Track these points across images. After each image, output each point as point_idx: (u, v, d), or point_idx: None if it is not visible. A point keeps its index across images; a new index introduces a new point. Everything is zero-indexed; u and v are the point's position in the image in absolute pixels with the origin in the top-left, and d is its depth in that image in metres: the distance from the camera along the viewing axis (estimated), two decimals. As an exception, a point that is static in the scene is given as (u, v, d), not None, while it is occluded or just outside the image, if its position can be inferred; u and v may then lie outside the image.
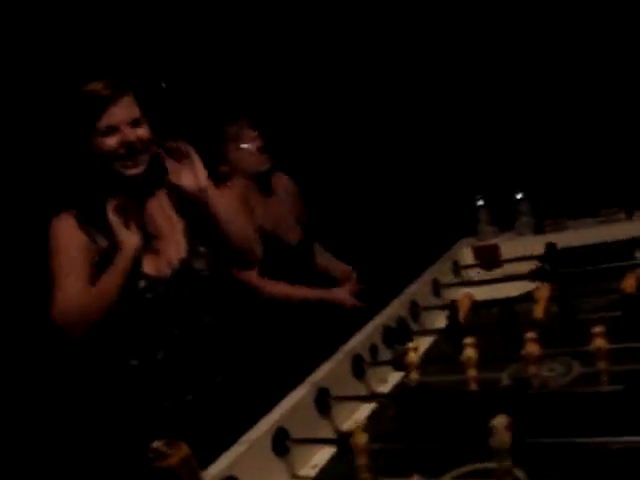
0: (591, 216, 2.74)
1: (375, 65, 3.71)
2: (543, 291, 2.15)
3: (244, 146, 2.71)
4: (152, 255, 2.06)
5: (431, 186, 3.54)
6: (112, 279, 1.94)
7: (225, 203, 2.09)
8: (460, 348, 1.85)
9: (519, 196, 2.85)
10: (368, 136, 3.76)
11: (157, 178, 2.08)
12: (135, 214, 2.01)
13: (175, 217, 2.14)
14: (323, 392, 1.85)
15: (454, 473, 1.50)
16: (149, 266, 2.04)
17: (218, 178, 2.65)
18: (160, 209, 2.13)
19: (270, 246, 2.63)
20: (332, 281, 2.93)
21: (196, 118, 3.18)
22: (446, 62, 3.56)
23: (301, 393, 1.82)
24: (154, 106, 2.14)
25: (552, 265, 2.59)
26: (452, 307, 2.20)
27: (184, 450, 1.37)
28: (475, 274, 2.85)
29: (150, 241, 2.06)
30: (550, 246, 2.59)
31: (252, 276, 2.66)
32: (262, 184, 2.78)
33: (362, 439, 1.54)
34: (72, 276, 1.95)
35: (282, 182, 2.88)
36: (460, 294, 2.31)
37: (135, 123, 1.99)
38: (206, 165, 2.03)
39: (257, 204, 2.76)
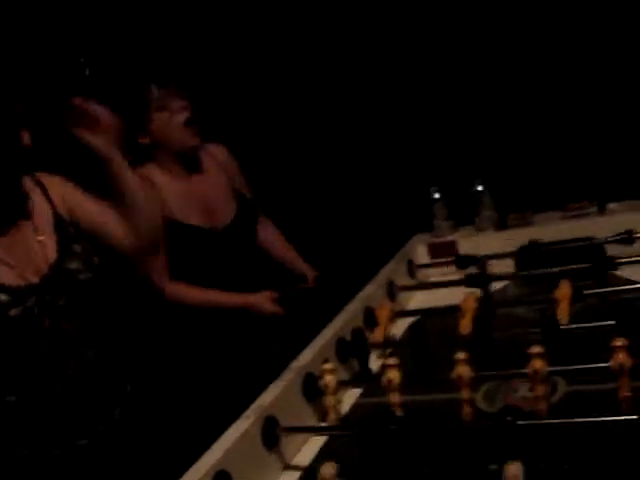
0: (558, 209, 2.51)
1: (330, 49, 3.42)
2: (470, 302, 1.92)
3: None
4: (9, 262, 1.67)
5: (384, 177, 3.28)
6: None
7: (135, 178, 1.80)
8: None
9: (479, 188, 2.60)
10: (320, 125, 3.49)
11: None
12: None
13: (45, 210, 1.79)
14: (271, 422, 1.55)
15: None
16: (8, 275, 1.64)
17: (137, 150, 2.30)
18: None
19: (188, 237, 2.31)
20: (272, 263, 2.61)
21: (116, 79, 2.81)
22: (402, 51, 3.31)
23: (245, 425, 1.51)
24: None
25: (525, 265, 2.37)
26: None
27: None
28: (433, 274, 2.60)
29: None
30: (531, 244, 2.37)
31: (157, 276, 2.31)
32: (186, 161, 2.41)
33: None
34: None
35: (214, 154, 2.51)
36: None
37: None
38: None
39: (176, 186, 2.38)
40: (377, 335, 2.01)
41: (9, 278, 1.64)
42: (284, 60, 3.51)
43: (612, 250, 2.29)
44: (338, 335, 1.94)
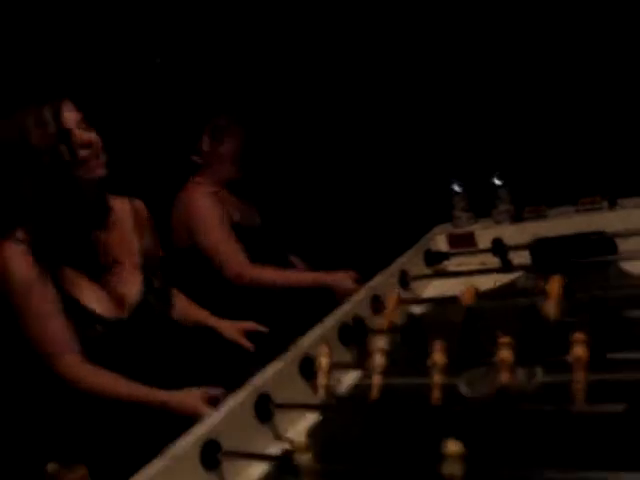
0: (571, 204, 2.57)
1: (345, 46, 3.51)
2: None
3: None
4: (103, 292, 1.91)
5: (407, 171, 3.36)
6: None
7: None
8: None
9: (497, 182, 2.68)
10: (341, 119, 3.58)
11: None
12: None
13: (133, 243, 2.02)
14: (264, 398, 1.70)
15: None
16: (102, 306, 1.89)
17: (189, 167, 2.52)
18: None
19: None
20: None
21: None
22: (420, 43, 3.36)
23: (238, 399, 1.67)
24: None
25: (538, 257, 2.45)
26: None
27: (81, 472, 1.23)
28: (450, 264, 2.69)
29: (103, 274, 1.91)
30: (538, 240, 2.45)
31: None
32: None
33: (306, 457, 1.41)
34: None
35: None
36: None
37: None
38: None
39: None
40: (382, 321, 2.12)
41: (102, 309, 1.88)
42: (300, 52, 3.59)
43: (623, 245, 2.36)
44: (342, 321, 2.07)
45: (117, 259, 1.96)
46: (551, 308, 1.85)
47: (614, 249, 2.36)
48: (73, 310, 1.86)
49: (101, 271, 1.90)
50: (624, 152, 2.82)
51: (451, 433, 1.29)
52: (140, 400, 1.88)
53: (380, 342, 1.73)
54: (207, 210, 2.66)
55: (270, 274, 2.65)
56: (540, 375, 1.68)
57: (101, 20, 3.15)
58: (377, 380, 1.65)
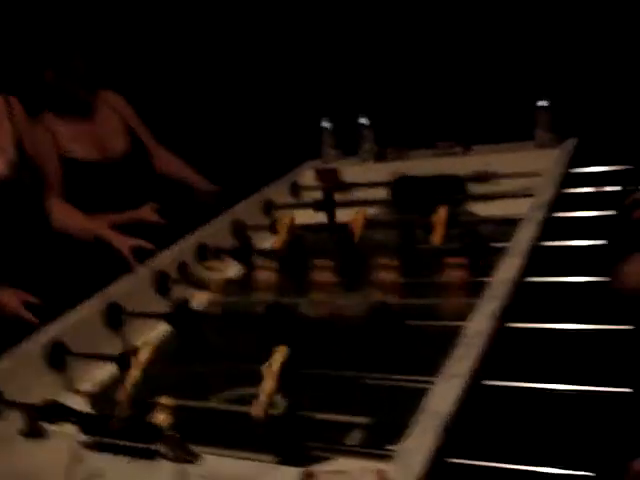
0: (429, 148, 2.74)
1: None
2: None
3: None
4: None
5: (279, 110, 3.41)
6: None
7: None
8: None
9: (363, 121, 2.80)
10: (214, 57, 3.57)
11: None
12: None
13: None
14: (115, 307, 1.79)
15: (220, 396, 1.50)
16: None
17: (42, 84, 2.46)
18: None
19: (79, 170, 2.47)
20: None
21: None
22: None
23: (88, 306, 1.75)
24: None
25: (398, 194, 2.60)
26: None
27: None
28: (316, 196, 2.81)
29: None
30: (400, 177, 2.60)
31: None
32: (79, 105, 2.58)
33: (141, 357, 1.52)
34: None
35: (108, 100, 2.69)
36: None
37: None
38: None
39: (68, 129, 2.55)
40: (277, 242, 2.19)
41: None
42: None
43: (473, 188, 2.55)
44: (199, 241, 2.17)
45: None
46: (437, 236, 2.02)
47: (463, 191, 2.55)
48: None
49: None
50: (481, 101, 2.98)
51: (282, 342, 1.44)
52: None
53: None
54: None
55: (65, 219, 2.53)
56: (374, 298, 1.85)
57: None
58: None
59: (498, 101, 2.93)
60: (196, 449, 1.23)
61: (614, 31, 2.85)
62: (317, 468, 1.15)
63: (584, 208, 2.06)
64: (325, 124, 2.87)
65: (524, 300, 1.59)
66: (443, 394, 1.20)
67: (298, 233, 2.22)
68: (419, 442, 1.09)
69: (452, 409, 1.16)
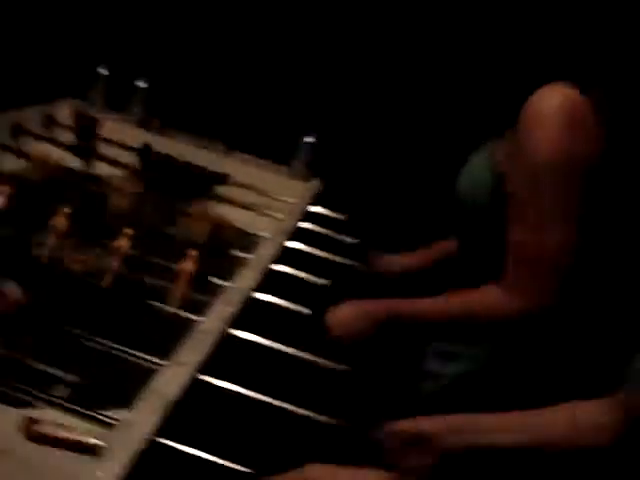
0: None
1: None
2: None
3: None
4: None
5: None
6: None
7: None
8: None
9: (140, 84, 2.77)
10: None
11: None
12: None
13: None
14: None
15: None
16: None
17: None
18: None
19: None
20: None
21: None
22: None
23: None
24: None
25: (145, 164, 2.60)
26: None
27: None
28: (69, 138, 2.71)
29: None
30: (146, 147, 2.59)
31: None
32: None
33: None
34: None
35: None
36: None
37: None
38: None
39: None
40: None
41: None
42: None
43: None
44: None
45: None
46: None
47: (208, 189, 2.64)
48: None
49: None
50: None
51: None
52: None
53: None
54: None
55: None
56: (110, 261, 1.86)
57: None
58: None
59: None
60: None
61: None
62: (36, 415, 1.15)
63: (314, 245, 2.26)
64: (102, 70, 2.80)
65: (250, 313, 1.72)
66: (171, 378, 1.28)
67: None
68: (142, 417, 1.15)
69: (177, 394, 1.23)
